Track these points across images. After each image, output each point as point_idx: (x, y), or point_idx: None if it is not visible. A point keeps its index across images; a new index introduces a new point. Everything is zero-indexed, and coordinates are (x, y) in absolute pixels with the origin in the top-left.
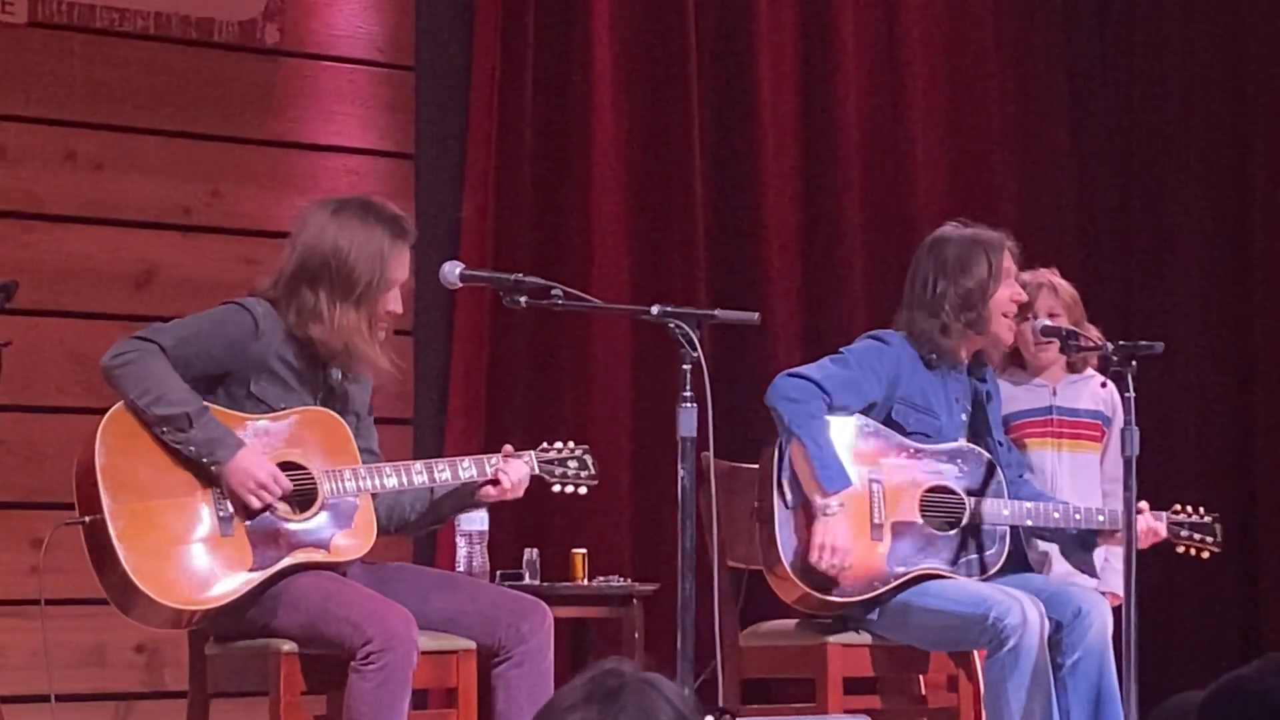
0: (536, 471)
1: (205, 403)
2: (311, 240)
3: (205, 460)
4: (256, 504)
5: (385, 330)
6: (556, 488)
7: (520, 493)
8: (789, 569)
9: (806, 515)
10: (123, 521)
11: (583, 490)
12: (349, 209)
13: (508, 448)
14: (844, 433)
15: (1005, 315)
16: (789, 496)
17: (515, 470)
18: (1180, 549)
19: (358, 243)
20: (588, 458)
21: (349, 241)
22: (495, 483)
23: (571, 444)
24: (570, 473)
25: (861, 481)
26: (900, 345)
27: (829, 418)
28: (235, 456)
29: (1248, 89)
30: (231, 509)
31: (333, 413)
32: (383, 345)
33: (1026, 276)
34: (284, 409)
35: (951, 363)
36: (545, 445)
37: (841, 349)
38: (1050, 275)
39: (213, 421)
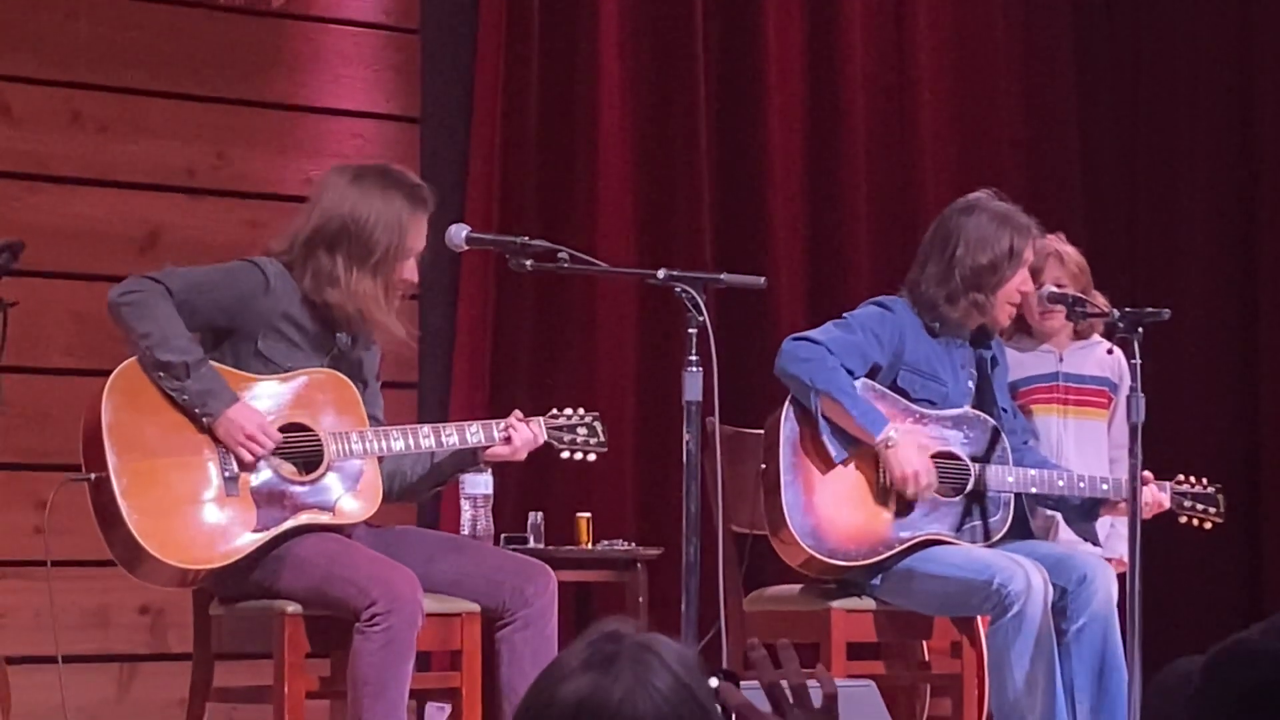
0: (545, 438)
1: (207, 357)
2: (330, 206)
3: (197, 411)
4: (247, 456)
5: (401, 298)
6: (565, 454)
7: (524, 456)
8: (793, 532)
9: (858, 463)
10: (127, 479)
11: (591, 457)
12: (369, 176)
13: (518, 412)
14: None
15: (1010, 304)
16: (834, 452)
17: (525, 431)
18: (1183, 520)
19: (377, 210)
20: (597, 424)
21: (368, 208)
22: (505, 441)
23: (581, 410)
24: (580, 439)
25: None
26: (903, 311)
27: None
28: (227, 410)
29: (1255, 53)
30: (237, 468)
31: (341, 375)
32: (398, 313)
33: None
34: (291, 369)
35: (954, 330)
36: (554, 412)
37: (845, 314)
38: (1058, 243)
39: (211, 373)
